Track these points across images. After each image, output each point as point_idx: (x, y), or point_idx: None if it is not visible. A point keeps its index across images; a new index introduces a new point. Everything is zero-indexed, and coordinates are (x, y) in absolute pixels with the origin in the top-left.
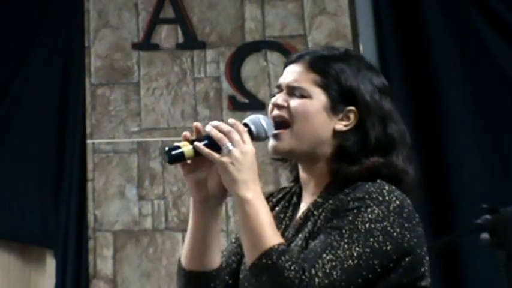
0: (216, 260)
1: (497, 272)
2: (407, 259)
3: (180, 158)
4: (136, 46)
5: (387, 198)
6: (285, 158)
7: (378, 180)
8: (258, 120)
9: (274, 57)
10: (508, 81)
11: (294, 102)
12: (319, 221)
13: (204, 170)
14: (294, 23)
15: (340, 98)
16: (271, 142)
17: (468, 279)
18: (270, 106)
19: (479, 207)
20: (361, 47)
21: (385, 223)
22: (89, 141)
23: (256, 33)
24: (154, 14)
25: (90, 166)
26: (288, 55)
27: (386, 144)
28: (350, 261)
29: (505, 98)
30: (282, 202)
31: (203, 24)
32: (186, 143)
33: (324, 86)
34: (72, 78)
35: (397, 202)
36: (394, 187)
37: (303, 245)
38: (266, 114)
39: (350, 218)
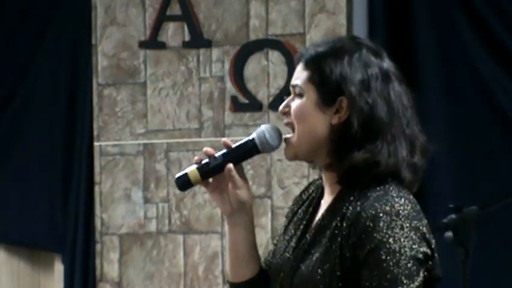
0: (250, 270)
1: (457, 269)
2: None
3: (188, 183)
4: (143, 44)
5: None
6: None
7: (383, 190)
8: (262, 133)
9: (274, 56)
10: (485, 87)
11: (293, 105)
12: (339, 236)
13: (223, 186)
14: (295, 20)
15: (331, 90)
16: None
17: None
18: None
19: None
20: None
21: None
22: (96, 144)
23: (260, 31)
24: (161, 11)
25: (97, 169)
26: (287, 55)
27: (374, 129)
28: None
29: (481, 104)
30: (310, 198)
31: (209, 22)
32: (193, 168)
33: (315, 82)
34: (80, 78)
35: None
36: (398, 193)
37: (326, 252)
38: (265, 113)
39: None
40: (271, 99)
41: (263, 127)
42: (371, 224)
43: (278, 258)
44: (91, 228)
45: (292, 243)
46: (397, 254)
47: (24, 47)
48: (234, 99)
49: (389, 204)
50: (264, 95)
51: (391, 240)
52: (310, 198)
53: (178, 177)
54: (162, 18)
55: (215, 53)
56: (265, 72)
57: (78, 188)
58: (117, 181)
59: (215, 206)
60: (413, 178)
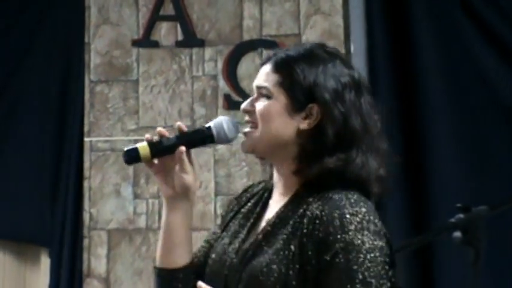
0: (184, 257)
1: (467, 270)
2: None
3: (136, 158)
4: (136, 43)
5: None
6: (254, 155)
7: (345, 195)
8: (221, 122)
9: None
10: (489, 86)
11: (259, 106)
12: (298, 235)
13: (169, 168)
14: (290, 22)
15: (302, 97)
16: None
17: (441, 277)
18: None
19: (454, 207)
20: (352, 47)
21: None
22: (86, 139)
23: (254, 31)
24: (155, 11)
25: (86, 164)
26: None
27: (347, 138)
28: None
29: (484, 101)
30: (255, 199)
31: (202, 22)
32: (145, 144)
33: (285, 87)
34: (72, 75)
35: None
36: (360, 198)
37: (283, 249)
38: None
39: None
40: None
41: (221, 118)
42: (338, 225)
43: (219, 257)
44: (79, 223)
45: (237, 242)
46: (368, 257)
47: (17, 44)
48: (227, 97)
49: (355, 207)
50: None
51: (359, 242)
52: (256, 198)
53: (127, 151)
54: (155, 18)
55: (208, 52)
56: (258, 71)
57: (67, 183)
58: (107, 176)
59: (208, 203)
60: (379, 190)
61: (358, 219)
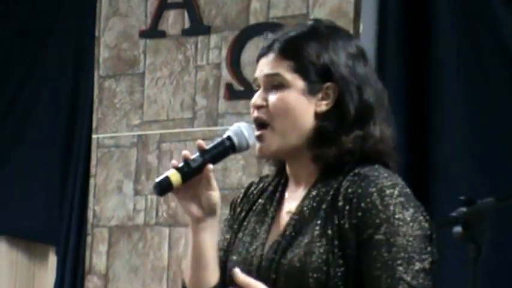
0: (215, 276)
1: (467, 266)
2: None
3: (168, 187)
4: (143, 34)
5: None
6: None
7: (375, 169)
8: (240, 130)
9: None
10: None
11: (273, 98)
12: (335, 217)
13: (194, 189)
14: (298, 1)
15: (317, 77)
16: (257, 145)
17: (441, 273)
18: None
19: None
20: (361, 26)
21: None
22: (94, 136)
23: (261, 14)
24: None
25: (93, 161)
26: None
27: (364, 113)
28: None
29: (504, 88)
30: (265, 194)
31: (210, 7)
32: (174, 171)
33: (300, 71)
34: (83, 71)
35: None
36: (387, 171)
37: (319, 235)
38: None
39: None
40: None
41: (239, 125)
42: (378, 201)
43: (242, 257)
44: (84, 220)
45: (260, 239)
46: (409, 231)
47: (32, 42)
48: (228, 86)
49: (391, 180)
50: None
51: (401, 216)
52: (266, 194)
53: (159, 182)
54: (163, 7)
55: (213, 39)
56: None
57: (75, 181)
58: (111, 173)
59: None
60: (394, 162)
61: (396, 192)
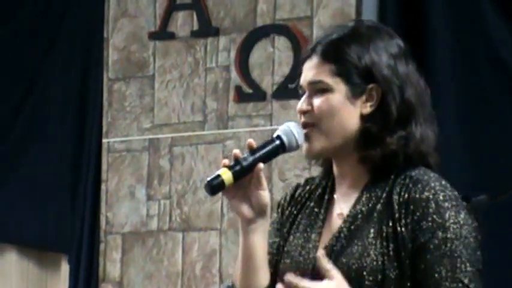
0: (266, 277)
1: None
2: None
3: (220, 185)
4: (152, 36)
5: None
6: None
7: (424, 172)
8: (289, 129)
9: (281, 42)
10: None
11: (317, 101)
12: (390, 220)
13: (245, 189)
14: (303, 3)
15: (360, 79)
16: (304, 145)
17: None
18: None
19: None
20: None
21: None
22: (104, 141)
23: (268, 16)
24: (171, 0)
25: (104, 166)
26: (294, 40)
27: (406, 113)
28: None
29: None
30: (313, 197)
31: (218, 8)
32: (225, 170)
33: (342, 74)
34: (92, 73)
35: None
36: (435, 174)
37: (374, 238)
38: (269, 103)
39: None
40: (275, 87)
41: (289, 124)
42: (434, 206)
43: (295, 259)
44: (96, 227)
45: (312, 241)
46: (463, 234)
47: (40, 44)
48: (238, 89)
49: (443, 185)
50: (268, 84)
51: (456, 220)
52: (315, 197)
53: (210, 181)
54: (172, 8)
55: (222, 41)
56: (270, 59)
57: (86, 187)
58: (122, 178)
59: (215, 202)
60: (436, 161)
61: (448, 196)
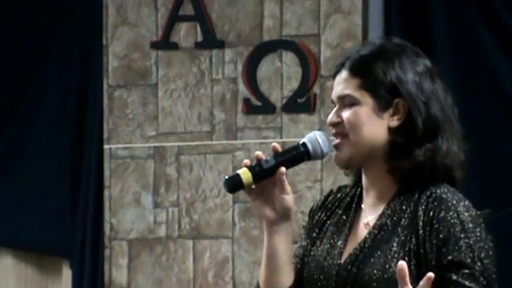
0: (289, 277)
1: None
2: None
3: (239, 184)
4: (154, 45)
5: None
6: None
7: (447, 190)
8: (315, 137)
9: (288, 57)
10: (503, 88)
11: (346, 114)
12: (413, 236)
13: (268, 191)
14: (310, 21)
15: (387, 94)
16: (334, 154)
17: None
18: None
19: None
20: None
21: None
22: (106, 147)
23: (274, 31)
24: (174, 11)
25: (106, 172)
26: (302, 56)
27: (432, 127)
28: None
29: (499, 110)
30: (342, 205)
31: (222, 22)
32: (245, 170)
33: (369, 88)
34: (90, 79)
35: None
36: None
37: (398, 251)
38: (278, 116)
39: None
40: (284, 101)
41: (315, 133)
42: (458, 225)
43: (320, 264)
44: (100, 233)
45: (337, 248)
46: (486, 246)
47: (34, 47)
48: (246, 101)
49: (465, 204)
50: (277, 97)
51: (478, 238)
52: (343, 206)
53: (229, 179)
54: (174, 18)
55: (228, 54)
56: (278, 74)
57: (87, 192)
58: (126, 185)
59: (226, 211)
60: (460, 176)
61: (470, 215)
